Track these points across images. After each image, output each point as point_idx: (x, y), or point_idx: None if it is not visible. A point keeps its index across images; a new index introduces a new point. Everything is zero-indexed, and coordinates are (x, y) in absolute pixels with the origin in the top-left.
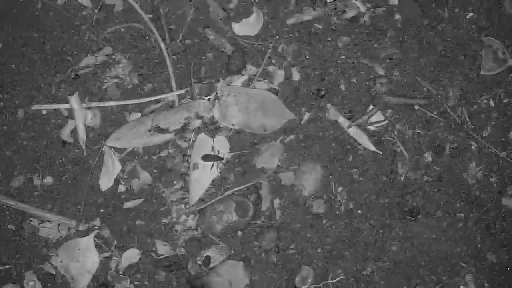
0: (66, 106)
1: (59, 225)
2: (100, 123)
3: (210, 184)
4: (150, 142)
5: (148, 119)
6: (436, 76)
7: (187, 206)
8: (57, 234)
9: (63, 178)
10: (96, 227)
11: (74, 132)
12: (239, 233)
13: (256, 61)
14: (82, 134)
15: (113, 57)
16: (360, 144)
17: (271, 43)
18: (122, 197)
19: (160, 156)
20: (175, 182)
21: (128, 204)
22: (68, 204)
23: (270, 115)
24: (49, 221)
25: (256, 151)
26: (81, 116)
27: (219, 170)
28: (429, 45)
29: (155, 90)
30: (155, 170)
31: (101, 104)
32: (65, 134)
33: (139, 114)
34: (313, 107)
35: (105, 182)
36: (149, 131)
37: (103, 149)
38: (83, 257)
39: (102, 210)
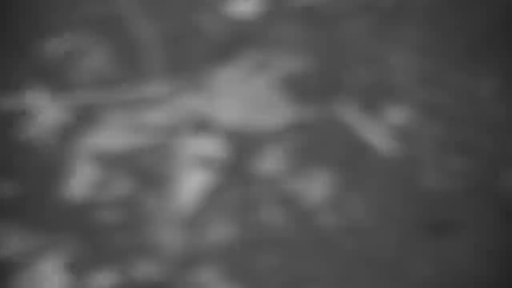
0: (30, 99)
1: (20, 241)
2: (71, 120)
3: (202, 193)
4: (132, 143)
5: (129, 115)
6: (469, 64)
7: (176, 218)
8: (18, 252)
9: (26, 186)
10: (66, 245)
11: (39, 130)
12: (238, 248)
13: (255, 49)
14: (48, 132)
15: (87, 43)
16: (376, 146)
17: (273, 28)
18: (98, 208)
19: (144, 160)
20: (161, 190)
21: (105, 216)
22: (32, 217)
23: (272, 112)
24: (8, 236)
25: (256, 155)
26: (48, 111)
27: (212, 177)
28: (461, 28)
29: (136, 81)
30: (137, 176)
31: (73, 97)
32: (28, 133)
33: (119, 109)
34: (321, 101)
35: (77, 190)
36: (131, 129)
37: (76, 150)
38: (49, 284)
39: (73, 224)
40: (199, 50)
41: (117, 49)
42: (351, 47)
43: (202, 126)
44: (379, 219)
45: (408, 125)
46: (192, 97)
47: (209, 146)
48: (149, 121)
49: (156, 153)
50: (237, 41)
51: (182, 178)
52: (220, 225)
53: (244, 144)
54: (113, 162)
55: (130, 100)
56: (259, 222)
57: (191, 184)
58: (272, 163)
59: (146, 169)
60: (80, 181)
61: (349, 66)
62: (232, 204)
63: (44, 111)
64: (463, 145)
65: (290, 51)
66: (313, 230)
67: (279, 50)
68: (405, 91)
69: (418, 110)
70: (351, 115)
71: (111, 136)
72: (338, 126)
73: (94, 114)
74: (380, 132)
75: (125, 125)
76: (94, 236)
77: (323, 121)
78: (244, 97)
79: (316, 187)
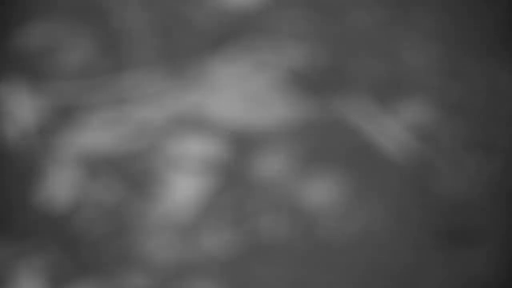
0: (5, 93)
1: None
2: (51, 117)
3: (196, 198)
4: (118, 142)
5: (115, 112)
6: (488, 55)
7: (168, 225)
8: None
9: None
10: (45, 254)
11: (14, 129)
12: (236, 258)
13: (256, 41)
14: (25, 131)
15: (69, 33)
16: (388, 147)
17: (275, 17)
18: (81, 214)
19: (132, 162)
20: (151, 195)
21: (88, 223)
22: (6, 225)
23: (274, 109)
24: None
25: (256, 156)
26: (25, 107)
27: (207, 180)
28: (479, 16)
29: (123, 75)
30: (124, 180)
31: (53, 92)
32: (2, 132)
33: (104, 106)
34: (328, 98)
35: (58, 195)
36: (117, 127)
37: (56, 151)
38: None
39: (55, 235)
40: (192, 42)
41: (101, 41)
42: (361, 38)
43: (196, 124)
44: (392, 226)
45: (424, 123)
46: (185, 93)
47: (204, 147)
48: (137, 119)
49: (145, 154)
50: (235, 32)
51: (175, 182)
52: (216, 233)
53: (243, 145)
54: (97, 164)
55: (116, 96)
56: (260, 230)
57: (184, 189)
58: (274, 165)
59: (134, 172)
60: (61, 185)
61: (359, 59)
62: (229, 210)
63: (21, 108)
64: (483, 144)
65: (294, 43)
66: (319, 238)
67: (282, 42)
68: (420, 86)
69: (434, 107)
70: (360, 113)
71: (95, 135)
72: (347, 125)
73: (76, 111)
74: (392, 131)
75: (111, 123)
76: (76, 245)
77: (330, 119)
78: (243, 93)
79: (322, 192)
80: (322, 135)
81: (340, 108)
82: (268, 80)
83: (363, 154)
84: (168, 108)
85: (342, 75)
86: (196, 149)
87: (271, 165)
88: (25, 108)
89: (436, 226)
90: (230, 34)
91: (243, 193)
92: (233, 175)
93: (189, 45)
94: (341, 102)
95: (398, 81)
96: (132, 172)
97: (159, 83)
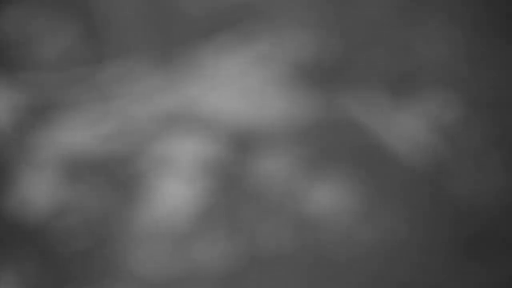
0: None
1: None
2: (27, 110)
3: (189, 205)
4: (103, 142)
5: (99, 108)
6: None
7: (157, 236)
8: None
9: None
10: (20, 268)
11: None
12: (233, 271)
13: (256, 29)
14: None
15: (50, 20)
16: (400, 145)
17: (278, 3)
18: (61, 223)
19: (118, 164)
20: (138, 201)
21: (69, 233)
22: None
23: (275, 106)
24: None
25: (257, 159)
26: (1, 101)
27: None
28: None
29: (108, 67)
30: (109, 185)
31: (32, 84)
32: None
33: (87, 101)
34: (336, 94)
35: (34, 202)
36: (102, 125)
37: (33, 151)
38: None
39: (30, 246)
40: (184, 30)
41: (83, 28)
42: (372, 27)
43: (188, 123)
44: (408, 236)
45: (441, 121)
46: (177, 87)
47: (198, 148)
48: (123, 116)
49: (132, 156)
50: (233, 19)
51: (165, 187)
52: (210, 243)
53: (241, 146)
54: (79, 166)
55: (100, 90)
56: (259, 241)
57: (175, 194)
58: (276, 168)
59: (120, 176)
60: (38, 190)
61: (369, 50)
62: (225, 217)
63: None
64: (507, 143)
65: (299, 33)
66: (326, 250)
67: (285, 31)
68: (437, 79)
69: (452, 102)
70: (371, 110)
71: (77, 134)
72: (356, 123)
73: (55, 107)
74: (406, 130)
75: (94, 121)
76: (55, 257)
77: (338, 117)
78: (242, 88)
79: (329, 198)
80: (329, 134)
81: (349, 105)
82: (269, 74)
83: (374, 155)
84: (158, 104)
85: (351, 68)
86: (189, 150)
87: (273, 168)
88: (2, 101)
89: (456, 237)
90: (227, 22)
91: (241, 199)
92: (230, 179)
93: (180, 34)
94: (350, 99)
95: (413, 75)
96: (117, 176)
97: (147, 76)
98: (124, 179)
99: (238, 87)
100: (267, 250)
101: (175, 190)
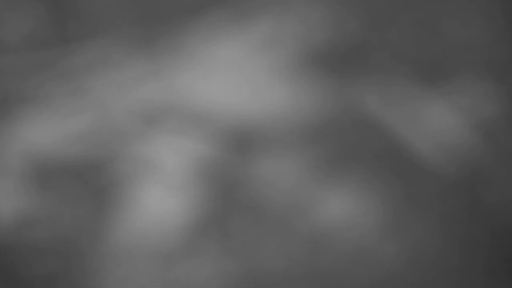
0: None
1: None
2: None
3: (175, 219)
4: (75, 140)
5: (70, 98)
6: None
7: (140, 255)
8: None
9: None
10: None
11: None
12: None
13: (258, 4)
14: None
15: None
16: (427, 145)
17: None
18: (24, 238)
19: (93, 168)
20: (116, 213)
21: (34, 254)
22: None
23: (278, 97)
24: None
25: (255, 159)
26: None
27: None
28: None
29: (78, 44)
30: (82, 193)
31: None
32: None
33: (56, 89)
34: (349, 83)
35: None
36: (74, 119)
37: None
38: None
39: None
40: (170, 7)
41: (52, 5)
42: (393, 6)
43: (175, 118)
44: (440, 254)
45: (478, 117)
46: (161, 74)
47: (187, 148)
48: (99, 110)
49: (109, 159)
50: None
51: (148, 196)
52: (201, 261)
53: (238, 146)
54: (47, 171)
55: (71, 78)
56: (263, 260)
57: (160, 203)
58: (280, 173)
59: (95, 183)
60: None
61: (389, 32)
62: (219, 231)
63: None
64: None
65: (308, 11)
66: (344, 271)
67: (292, 8)
68: (472, 66)
69: (492, 93)
70: (394, 103)
71: (44, 132)
72: (375, 118)
73: (17, 99)
74: (436, 127)
75: (65, 115)
76: (19, 281)
77: (355, 112)
78: (239, 77)
79: (343, 207)
80: (343, 133)
81: (368, 97)
82: (272, 60)
83: (397, 157)
84: (139, 96)
85: (369, 54)
86: (177, 151)
87: (276, 173)
88: None
89: (496, 250)
90: None
91: (238, 209)
92: (226, 186)
93: (165, 10)
94: (369, 89)
95: (442, 61)
96: (92, 182)
97: (125, 61)
98: (100, 186)
99: (235, 76)
100: (269, 272)
101: (160, 199)
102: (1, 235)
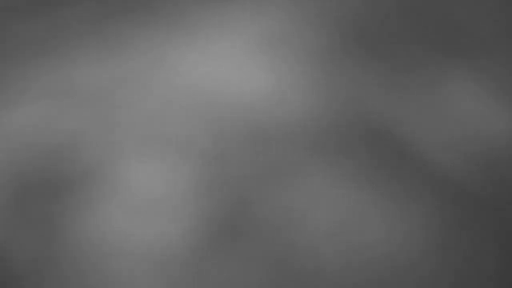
0: None
1: None
2: None
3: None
4: (45, 123)
5: (43, 73)
6: None
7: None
8: None
9: None
10: None
11: None
12: None
13: None
14: None
15: None
16: (440, 154)
17: None
18: None
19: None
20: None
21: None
22: None
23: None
24: None
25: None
26: None
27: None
28: None
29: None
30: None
31: None
32: None
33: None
34: (349, 72)
35: None
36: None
37: None
38: None
39: None
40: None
41: None
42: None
43: (174, 118)
44: (464, 276)
45: (497, 114)
46: (139, 52)
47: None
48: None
49: (65, 177)
50: None
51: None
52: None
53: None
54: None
55: (18, 52)
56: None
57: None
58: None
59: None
60: None
61: (400, 13)
62: (220, 259)
63: None
64: None
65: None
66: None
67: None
68: (491, 53)
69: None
70: (404, 97)
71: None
72: (381, 120)
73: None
74: (447, 130)
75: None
76: None
77: (355, 109)
78: (231, 62)
79: (387, 228)
80: (343, 135)
81: (371, 90)
82: (258, 38)
83: (406, 167)
84: (111, 68)
85: (374, 38)
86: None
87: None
88: None
89: None
90: None
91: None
92: (227, 204)
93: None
94: (374, 81)
95: (458, 45)
96: (60, 171)
97: (82, 35)
98: (48, 212)
99: (224, 58)
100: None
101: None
102: None
